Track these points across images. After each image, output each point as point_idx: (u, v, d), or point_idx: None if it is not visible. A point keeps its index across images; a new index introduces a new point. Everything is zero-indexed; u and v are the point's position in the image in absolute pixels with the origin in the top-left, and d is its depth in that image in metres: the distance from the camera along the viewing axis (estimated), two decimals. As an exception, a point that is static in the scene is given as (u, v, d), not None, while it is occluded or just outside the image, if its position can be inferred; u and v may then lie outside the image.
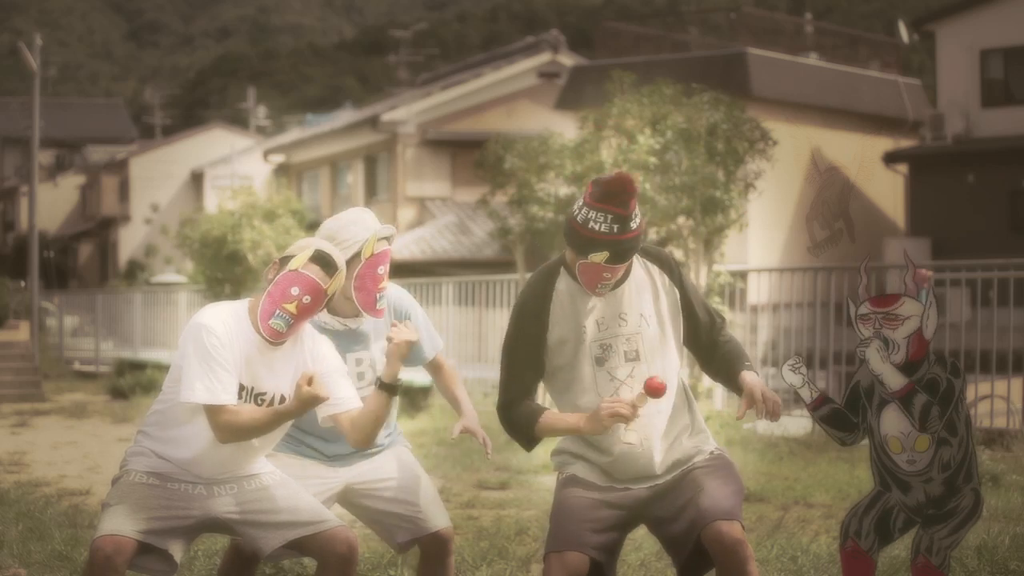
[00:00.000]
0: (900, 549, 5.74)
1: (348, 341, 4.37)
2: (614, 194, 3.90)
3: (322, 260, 3.99)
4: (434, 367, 4.73)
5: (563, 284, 4.11)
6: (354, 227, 4.27)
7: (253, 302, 4.06)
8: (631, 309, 4.10)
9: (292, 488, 4.17)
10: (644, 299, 4.12)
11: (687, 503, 4.02)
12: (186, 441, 4.05)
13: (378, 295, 4.28)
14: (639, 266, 4.15)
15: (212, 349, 3.92)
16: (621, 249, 3.95)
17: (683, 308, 4.17)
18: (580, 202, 3.98)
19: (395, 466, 4.49)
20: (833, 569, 5.70)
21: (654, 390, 3.86)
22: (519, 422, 4.09)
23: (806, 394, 4.21)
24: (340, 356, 4.23)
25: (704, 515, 3.96)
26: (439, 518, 4.50)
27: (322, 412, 4.10)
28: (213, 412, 3.93)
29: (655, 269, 4.16)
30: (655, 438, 4.08)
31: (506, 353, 4.14)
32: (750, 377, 4.10)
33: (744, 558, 3.89)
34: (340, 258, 4.07)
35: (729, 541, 3.89)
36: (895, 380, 4.09)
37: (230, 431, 3.94)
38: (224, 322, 3.99)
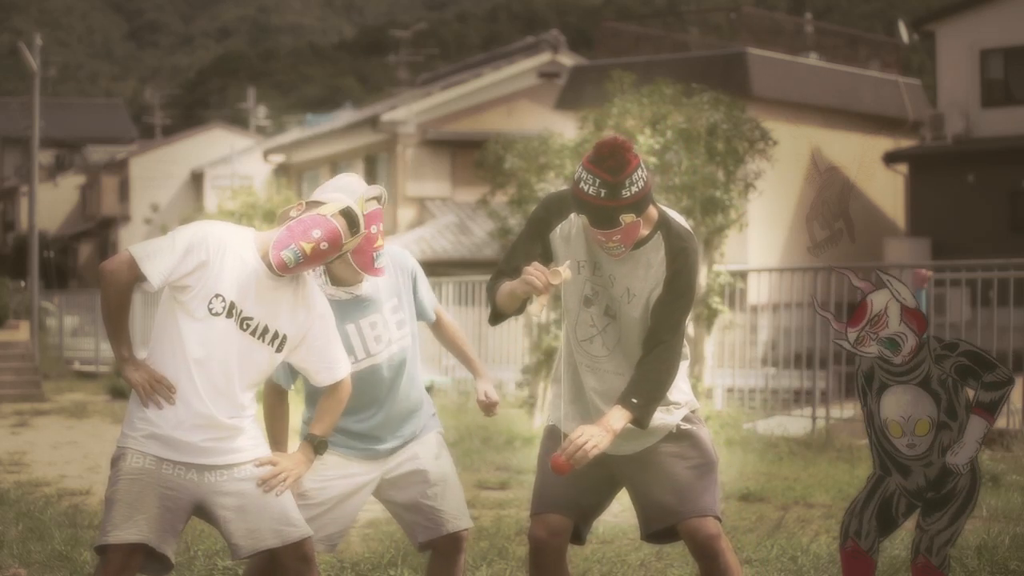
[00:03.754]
0: (900, 549, 5.74)
1: (358, 308, 4.37)
2: (603, 158, 3.80)
3: (349, 217, 4.03)
4: (437, 323, 4.76)
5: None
6: (340, 193, 4.26)
7: (262, 236, 4.08)
8: (623, 278, 4.01)
9: (272, 491, 4.14)
10: (637, 276, 4.00)
11: (661, 494, 4.09)
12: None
13: (374, 254, 4.29)
14: (658, 245, 4.00)
15: (184, 242, 3.95)
16: (603, 215, 3.83)
17: (653, 303, 4.01)
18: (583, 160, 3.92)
19: (429, 460, 4.51)
20: (833, 569, 5.70)
21: (556, 468, 3.90)
22: (491, 293, 4.10)
23: None
24: (355, 323, 4.33)
25: (677, 514, 4.07)
26: (459, 519, 4.50)
27: (321, 379, 4.17)
28: (125, 263, 3.95)
29: (667, 257, 3.98)
30: (613, 397, 4.03)
31: (519, 233, 4.14)
32: (610, 414, 3.94)
33: (717, 551, 4.04)
34: (363, 222, 4.09)
35: (702, 538, 4.04)
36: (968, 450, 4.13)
37: (105, 272, 3.98)
38: (220, 237, 4.00)
